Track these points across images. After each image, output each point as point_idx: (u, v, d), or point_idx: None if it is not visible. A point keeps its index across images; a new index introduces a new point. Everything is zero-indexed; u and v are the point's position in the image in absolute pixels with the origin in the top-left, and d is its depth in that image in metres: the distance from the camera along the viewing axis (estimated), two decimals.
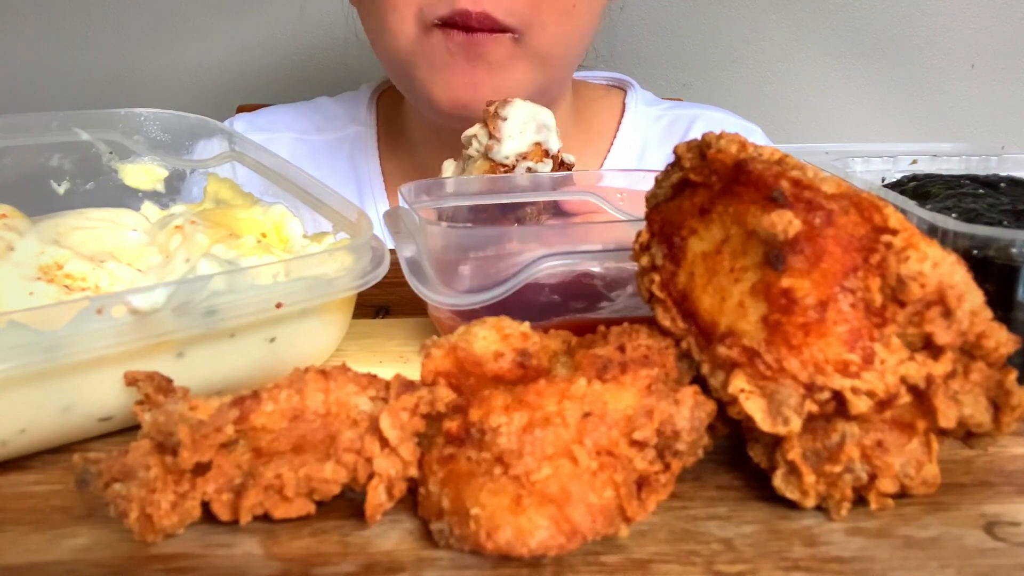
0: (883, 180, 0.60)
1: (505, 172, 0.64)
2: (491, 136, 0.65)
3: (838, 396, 0.34)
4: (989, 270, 0.42)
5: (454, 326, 0.41)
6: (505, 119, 0.65)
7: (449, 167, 0.69)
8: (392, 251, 0.50)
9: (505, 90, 0.88)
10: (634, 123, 1.07)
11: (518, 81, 0.89)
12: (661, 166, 0.42)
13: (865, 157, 0.61)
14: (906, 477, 0.36)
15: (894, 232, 0.35)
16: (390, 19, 0.87)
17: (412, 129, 1.06)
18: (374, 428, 0.35)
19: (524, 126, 0.65)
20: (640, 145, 1.06)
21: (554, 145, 0.66)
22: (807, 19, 1.59)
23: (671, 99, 1.17)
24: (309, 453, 0.35)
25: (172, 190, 0.61)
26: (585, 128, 1.07)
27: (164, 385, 0.38)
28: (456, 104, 0.87)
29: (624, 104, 1.10)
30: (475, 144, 0.66)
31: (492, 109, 0.66)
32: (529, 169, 0.65)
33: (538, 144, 0.65)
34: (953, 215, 0.49)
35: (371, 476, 0.35)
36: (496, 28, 0.84)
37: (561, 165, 0.69)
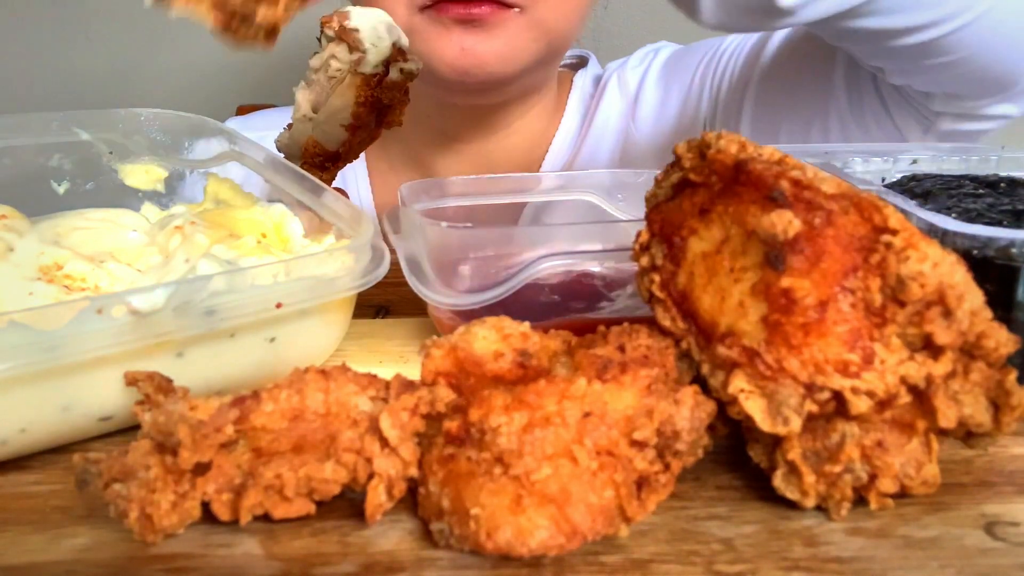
0: (883, 180, 0.60)
1: (378, 82, 0.61)
2: (353, 50, 0.60)
3: (838, 396, 0.34)
4: (989, 270, 0.42)
5: (454, 326, 0.42)
6: (358, 29, 0.60)
7: (304, 97, 0.63)
8: (392, 251, 0.50)
9: (507, 57, 0.86)
10: (579, 101, 1.07)
11: (520, 49, 0.87)
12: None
13: (865, 157, 0.61)
14: (906, 477, 0.36)
15: (894, 232, 0.35)
16: (382, 4, 0.87)
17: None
18: (374, 428, 0.35)
19: (376, 30, 0.61)
20: (580, 120, 1.06)
21: (405, 40, 0.63)
22: None
23: None
24: (309, 453, 0.35)
25: (172, 190, 0.61)
26: (553, 109, 1.07)
27: (164, 385, 0.38)
28: (457, 71, 0.86)
29: (572, 81, 1.09)
30: (335, 64, 0.61)
31: (336, 24, 0.61)
32: (402, 71, 0.61)
33: (394, 44, 0.62)
34: (953, 215, 0.49)
35: (371, 476, 0.35)
36: (495, 2, 0.83)
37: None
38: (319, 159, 0.64)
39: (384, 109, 0.63)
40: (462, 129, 1.01)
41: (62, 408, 0.40)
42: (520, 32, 0.86)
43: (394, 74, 0.61)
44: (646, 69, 1.06)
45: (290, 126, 0.64)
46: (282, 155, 0.65)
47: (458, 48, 0.85)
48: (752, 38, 0.96)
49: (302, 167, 0.64)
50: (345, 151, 0.64)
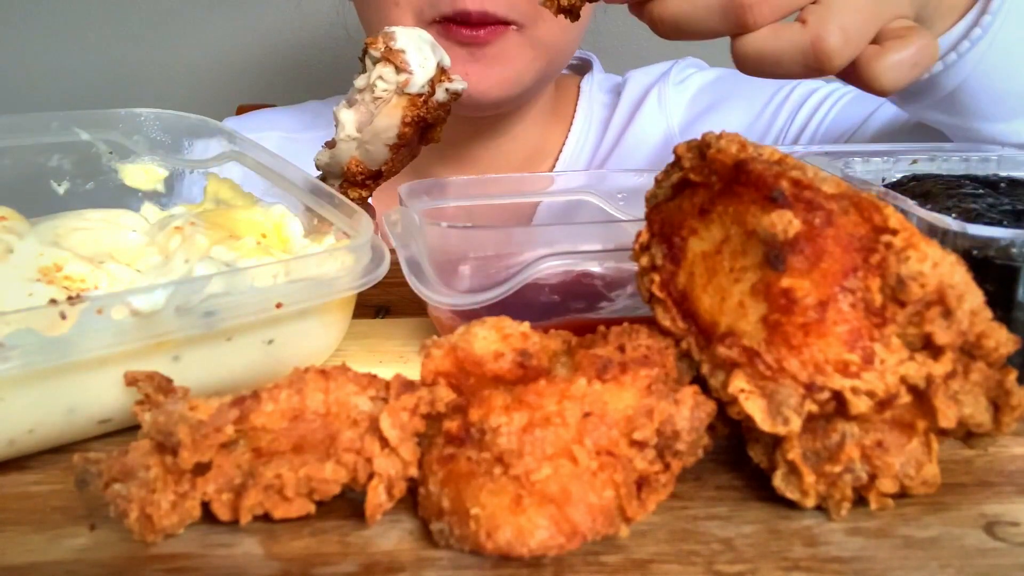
0: (883, 180, 0.60)
1: (424, 102, 0.61)
2: (400, 71, 0.61)
3: (838, 396, 0.34)
4: (989, 270, 0.42)
5: (454, 326, 0.41)
6: (404, 50, 0.61)
7: (349, 117, 0.63)
8: (392, 251, 0.50)
9: (510, 81, 0.88)
10: (589, 108, 1.07)
11: (521, 72, 0.89)
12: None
13: (865, 157, 0.61)
14: (906, 477, 0.36)
15: (894, 232, 0.35)
16: (391, 13, 0.87)
17: None
18: (374, 428, 0.35)
19: (422, 51, 0.62)
20: (598, 129, 1.07)
21: (447, 59, 0.64)
22: None
23: None
24: (309, 453, 0.35)
25: (172, 190, 0.61)
26: (550, 113, 1.08)
27: (164, 385, 0.38)
28: (476, 90, 0.87)
29: (579, 88, 1.09)
30: (382, 84, 0.62)
31: (382, 45, 0.62)
32: (447, 91, 0.62)
33: (439, 64, 0.62)
34: (953, 215, 0.49)
35: (371, 476, 0.35)
36: (497, 23, 0.84)
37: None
38: (361, 177, 0.64)
39: (427, 127, 0.64)
40: (461, 137, 1.01)
41: (68, 410, 0.40)
42: (520, 52, 0.88)
43: (440, 94, 0.62)
44: (693, 94, 1.05)
45: (329, 145, 0.64)
46: (319, 173, 0.66)
47: (462, 74, 0.85)
48: (853, 99, 0.95)
49: (342, 185, 0.65)
50: (387, 169, 0.64)
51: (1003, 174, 0.58)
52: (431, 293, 0.49)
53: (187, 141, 0.61)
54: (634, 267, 0.43)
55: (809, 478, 0.35)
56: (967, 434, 0.37)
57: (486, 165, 1.04)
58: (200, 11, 1.60)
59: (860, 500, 0.36)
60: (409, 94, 0.61)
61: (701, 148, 0.40)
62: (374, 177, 0.64)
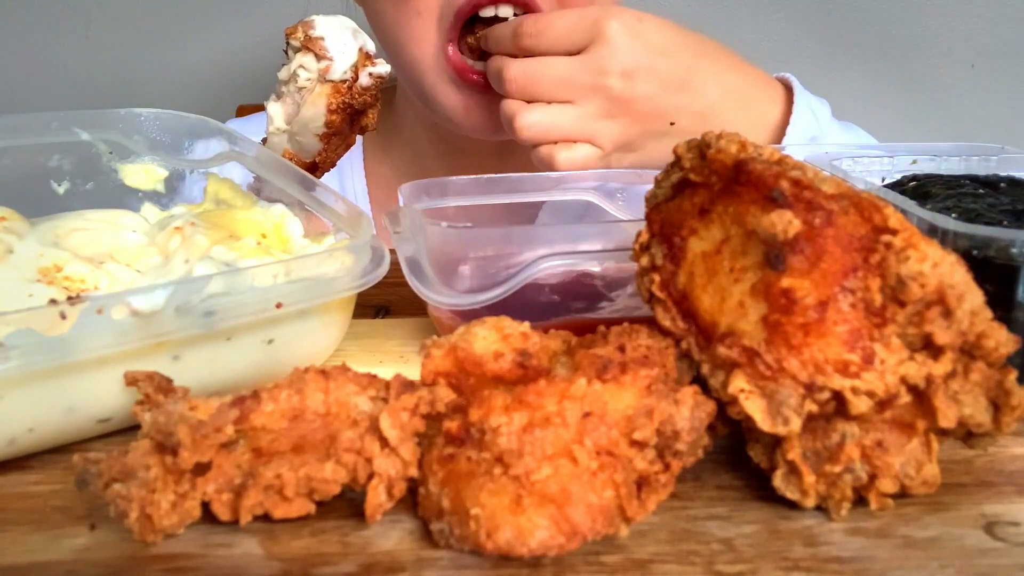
0: (883, 180, 0.60)
1: (349, 88, 0.61)
2: (320, 58, 0.61)
3: (838, 396, 0.34)
4: (989, 270, 0.42)
5: (454, 326, 0.41)
6: (323, 37, 0.61)
7: (276, 110, 0.63)
8: (392, 251, 0.50)
9: None
10: None
11: None
12: None
13: (864, 157, 0.61)
14: (906, 477, 0.36)
15: (894, 232, 0.35)
16: (414, 25, 0.86)
17: (405, 127, 1.05)
18: (374, 428, 0.35)
19: (342, 36, 0.62)
20: None
21: (370, 44, 0.64)
22: (807, 19, 1.58)
23: None
24: (309, 453, 0.35)
25: (172, 190, 0.61)
26: None
27: (164, 385, 0.38)
28: (477, 129, 0.89)
29: None
30: (303, 73, 0.61)
31: (301, 33, 0.62)
32: (371, 75, 0.62)
33: (361, 49, 0.62)
34: (953, 215, 0.49)
35: (371, 476, 0.35)
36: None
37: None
38: None
39: (357, 115, 0.63)
40: (472, 144, 1.01)
41: (68, 410, 0.40)
42: None
43: (364, 79, 0.61)
44: None
45: (264, 140, 0.64)
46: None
47: (482, 115, 0.88)
48: None
49: None
50: (321, 160, 0.64)
51: (1003, 174, 0.58)
52: (431, 293, 0.49)
53: (187, 141, 0.61)
54: (634, 267, 0.43)
55: (809, 478, 0.35)
56: (967, 434, 0.37)
57: (497, 171, 1.04)
58: (201, 11, 1.60)
59: (860, 500, 0.36)
60: (332, 81, 0.60)
61: (701, 148, 0.40)
62: (310, 169, 0.63)
